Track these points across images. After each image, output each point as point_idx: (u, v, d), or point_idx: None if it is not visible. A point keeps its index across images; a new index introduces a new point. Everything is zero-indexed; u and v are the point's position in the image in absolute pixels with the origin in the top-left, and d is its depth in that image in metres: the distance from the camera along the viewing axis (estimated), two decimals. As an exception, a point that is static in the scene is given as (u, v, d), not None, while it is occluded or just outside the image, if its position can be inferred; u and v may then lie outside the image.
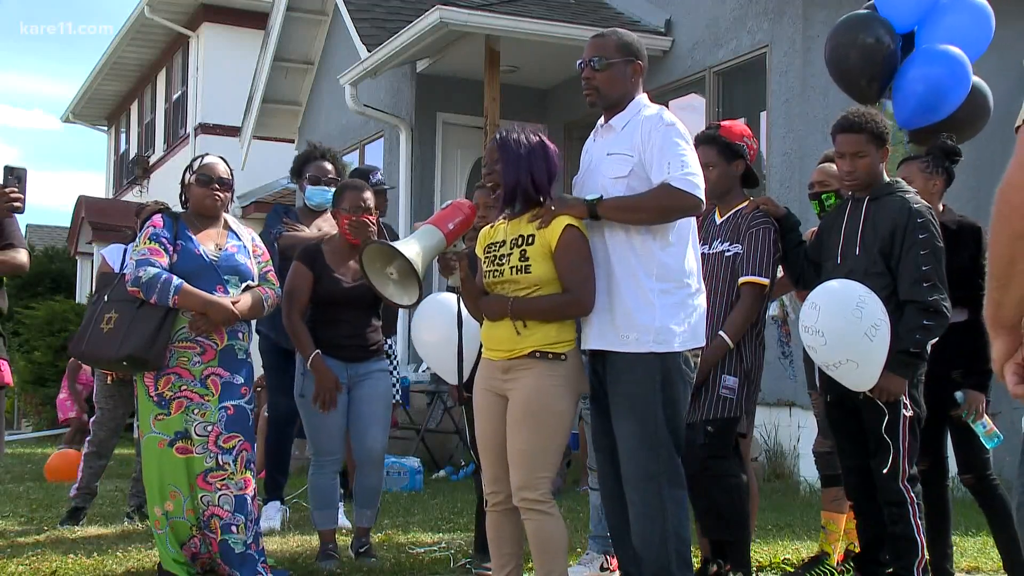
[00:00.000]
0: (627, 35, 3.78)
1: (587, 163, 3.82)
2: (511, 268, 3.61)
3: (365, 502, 5.01)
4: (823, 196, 4.77)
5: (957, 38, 5.16)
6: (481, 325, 3.80)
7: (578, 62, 3.78)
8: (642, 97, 3.75)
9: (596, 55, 3.70)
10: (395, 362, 5.95)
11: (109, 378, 6.18)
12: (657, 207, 3.54)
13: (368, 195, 4.90)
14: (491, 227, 3.83)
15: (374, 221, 4.91)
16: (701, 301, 3.70)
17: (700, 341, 3.69)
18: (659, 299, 3.56)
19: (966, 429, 4.33)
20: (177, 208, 4.73)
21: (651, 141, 3.57)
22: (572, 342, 3.63)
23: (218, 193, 4.52)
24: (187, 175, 4.57)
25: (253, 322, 4.73)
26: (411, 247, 3.64)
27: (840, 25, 5.34)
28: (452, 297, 4.46)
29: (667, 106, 4.76)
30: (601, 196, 3.60)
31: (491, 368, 3.71)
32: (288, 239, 5.87)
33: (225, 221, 4.60)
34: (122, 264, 6.16)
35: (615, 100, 3.72)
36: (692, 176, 3.52)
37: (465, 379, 4.42)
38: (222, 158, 4.65)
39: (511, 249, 3.63)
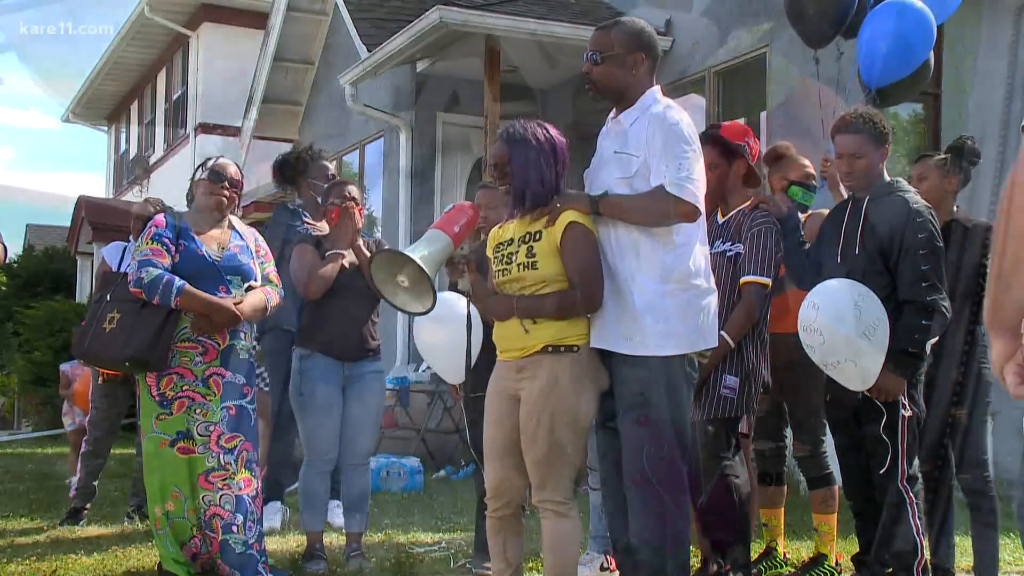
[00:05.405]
0: (633, 26, 3.68)
1: (598, 157, 3.76)
2: (518, 265, 3.57)
3: (354, 506, 4.99)
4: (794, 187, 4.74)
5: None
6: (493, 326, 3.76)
7: (584, 55, 3.72)
8: (654, 91, 3.66)
9: (594, 49, 3.64)
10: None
11: (100, 378, 6.13)
12: (650, 211, 3.50)
13: (352, 188, 4.99)
14: (500, 227, 3.79)
15: (359, 212, 4.91)
16: (711, 301, 3.62)
17: (709, 342, 3.62)
18: (662, 301, 3.50)
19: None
20: (181, 208, 4.73)
21: (654, 141, 3.51)
22: (584, 335, 3.56)
23: (226, 192, 4.52)
24: (199, 172, 4.58)
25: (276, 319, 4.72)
26: (420, 251, 3.59)
27: None
28: (456, 297, 4.45)
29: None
30: (606, 192, 3.57)
31: (504, 369, 3.66)
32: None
33: (229, 221, 4.60)
34: (120, 263, 6.18)
35: (615, 94, 3.66)
36: (688, 182, 3.45)
37: (463, 380, 4.41)
38: (237, 165, 4.67)
39: (519, 246, 3.60)
